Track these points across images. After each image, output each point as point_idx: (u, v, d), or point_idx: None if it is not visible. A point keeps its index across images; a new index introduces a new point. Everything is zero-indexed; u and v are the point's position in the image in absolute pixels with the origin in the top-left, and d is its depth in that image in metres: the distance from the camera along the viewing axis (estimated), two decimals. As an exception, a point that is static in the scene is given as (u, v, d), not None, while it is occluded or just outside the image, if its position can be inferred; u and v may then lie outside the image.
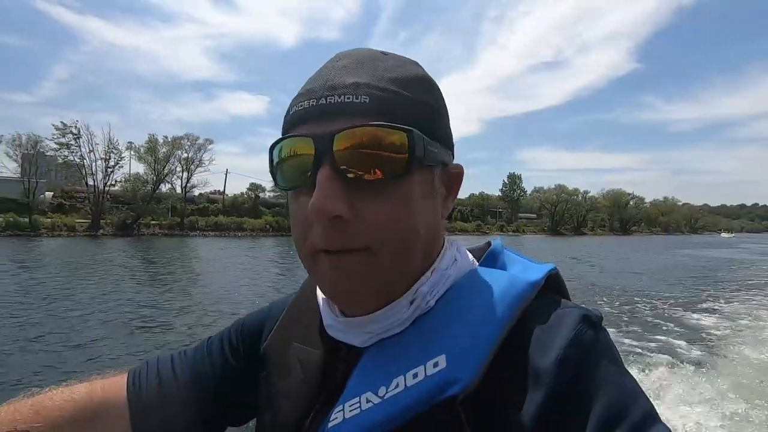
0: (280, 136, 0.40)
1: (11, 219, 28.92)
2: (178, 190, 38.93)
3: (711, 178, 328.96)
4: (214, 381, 0.52)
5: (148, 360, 0.55)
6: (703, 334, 7.04)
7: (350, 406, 0.38)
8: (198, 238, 33.07)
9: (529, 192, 77.90)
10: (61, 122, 33.55)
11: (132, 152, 36.38)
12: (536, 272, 0.42)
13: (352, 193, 0.36)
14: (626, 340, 6.57)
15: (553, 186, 74.00)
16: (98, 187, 34.17)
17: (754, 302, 10.06)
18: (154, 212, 35.69)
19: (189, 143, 38.38)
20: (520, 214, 75.14)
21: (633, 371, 4.71)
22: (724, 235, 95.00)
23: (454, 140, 0.45)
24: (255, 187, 44.42)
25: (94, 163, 34.37)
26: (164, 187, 37.77)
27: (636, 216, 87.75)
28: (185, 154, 38.29)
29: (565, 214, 71.96)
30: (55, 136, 33.05)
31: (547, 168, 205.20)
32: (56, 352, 5.69)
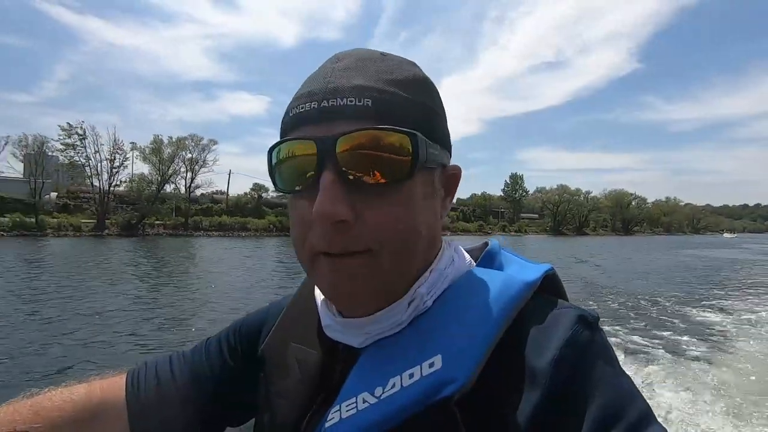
0: (279, 138, 0.40)
1: (18, 219, 29.16)
2: (182, 190, 39.21)
3: (713, 179, 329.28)
4: (212, 381, 0.52)
5: (147, 361, 0.55)
6: (706, 333, 7.11)
7: (347, 406, 0.38)
8: (202, 238, 33.24)
9: (531, 192, 78.01)
10: (67, 123, 33.96)
11: (137, 153, 36.73)
12: (533, 272, 0.42)
13: (354, 196, 0.36)
14: (628, 338, 6.64)
15: (555, 186, 74.22)
16: (103, 188, 34.41)
17: (757, 300, 10.14)
18: (159, 212, 35.92)
19: (193, 144, 38.70)
20: (522, 215, 75.15)
21: (634, 369, 4.90)
22: (726, 235, 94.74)
23: (454, 140, 0.45)
24: (258, 188, 44.62)
25: (99, 164, 34.67)
26: (168, 188, 38.11)
27: (638, 216, 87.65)
28: (189, 155, 38.65)
29: (567, 215, 71.97)
30: (61, 137, 33.37)
31: (547, 168, 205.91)
32: (60, 351, 5.77)
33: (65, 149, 33.72)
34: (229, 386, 0.53)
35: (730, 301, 10.22)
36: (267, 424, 0.47)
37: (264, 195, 44.20)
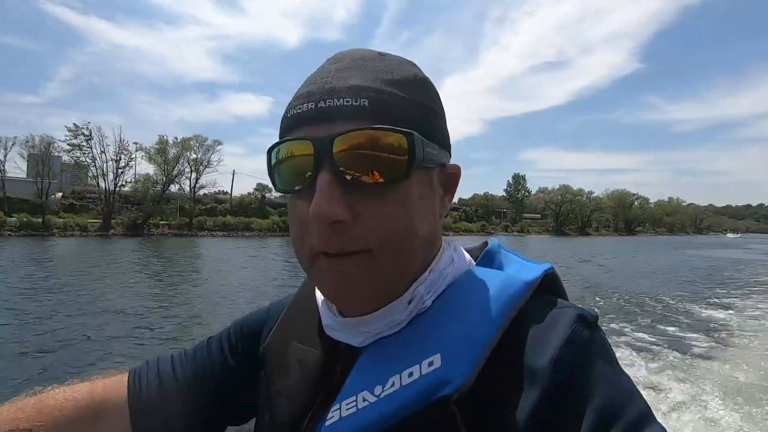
0: (279, 139, 0.41)
1: (25, 219, 29.45)
2: (187, 190, 39.41)
3: (715, 179, 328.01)
4: (213, 380, 0.53)
5: (149, 360, 0.55)
6: (711, 332, 7.18)
7: (347, 404, 0.38)
8: (206, 238, 33.46)
9: (533, 192, 78.12)
10: (74, 124, 34.23)
11: (143, 153, 36.99)
12: (532, 272, 0.42)
13: (352, 196, 0.36)
14: (632, 337, 6.68)
15: (557, 186, 74.30)
16: (109, 188, 34.68)
17: (761, 298, 10.26)
18: (163, 212, 36.17)
19: (197, 144, 38.94)
20: (524, 215, 75.21)
21: (638, 367, 5.05)
22: (729, 235, 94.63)
23: (455, 140, 0.45)
24: (262, 188, 44.85)
25: (105, 164, 34.94)
26: (173, 188, 38.31)
27: (641, 216, 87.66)
28: (194, 155, 38.91)
29: (569, 215, 72.01)
30: (68, 138, 33.67)
31: (549, 168, 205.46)
32: (66, 349, 5.86)
33: (71, 150, 34.06)
34: (230, 385, 0.53)
35: (734, 300, 10.31)
36: (268, 423, 0.47)
37: (267, 195, 44.44)
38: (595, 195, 76.81)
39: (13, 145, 32.86)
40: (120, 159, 35.40)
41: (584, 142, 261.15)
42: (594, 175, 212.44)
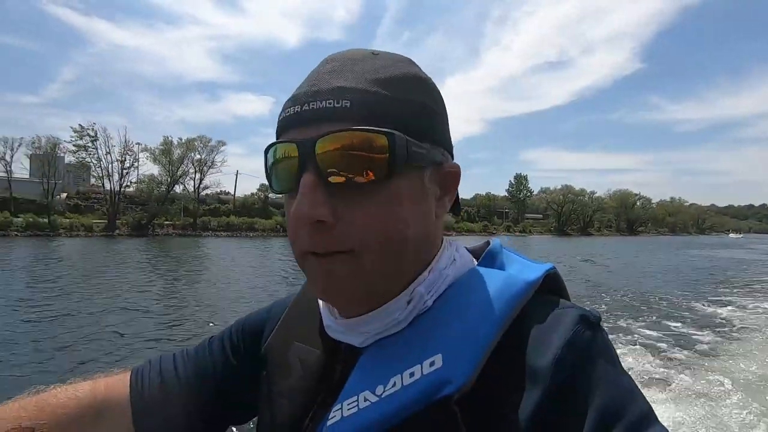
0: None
1: (31, 219, 29.71)
2: (191, 191, 39.66)
3: (718, 179, 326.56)
4: (215, 380, 0.53)
5: (151, 359, 0.56)
6: (716, 331, 7.20)
7: (348, 404, 0.38)
8: (210, 239, 33.64)
9: (535, 192, 78.18)
10: (79, 125, 34.49)
11: (147, 154, 37.25)
12: (534, 272, 0.42)
13: (335, 198, 0.37)
14: (636, 336, 6.67)
15: (559, 187, 74.37)
16: (114, 188, 34.88)
17: (765, 298, 10.27)
18: (168, 213, 36.38)
19: (202, 145, 39.20)
20: (526, 215, 75.29)
21: (640, 368, 5.03)
22: (732, 235, 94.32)
23: (456, 140, 0.45)
24: (265, 188, 45.04)
25: (110, 165, 35.20)
26: (177, 189, 38.65)
27: (643, 216, 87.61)
28: (198, 156, 39.17)
29: (571, 215, 72.06)
30: (74, 138, 33.92)
31: (551, 168, 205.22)
32: (71, 347, 5.92)
33: (77, 150, 34.32)
34: (231, 384, 0.53)
35: (738, 299, 10.38)
36: (269, 423, 0.47)
37: (270, 195, 44.63)
38: (597, 195, 76.93)
39: (19, 146, 33.20)
40: (125, 160, 35.69)
41: (585, 142, 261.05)
42: (594, 175, 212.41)
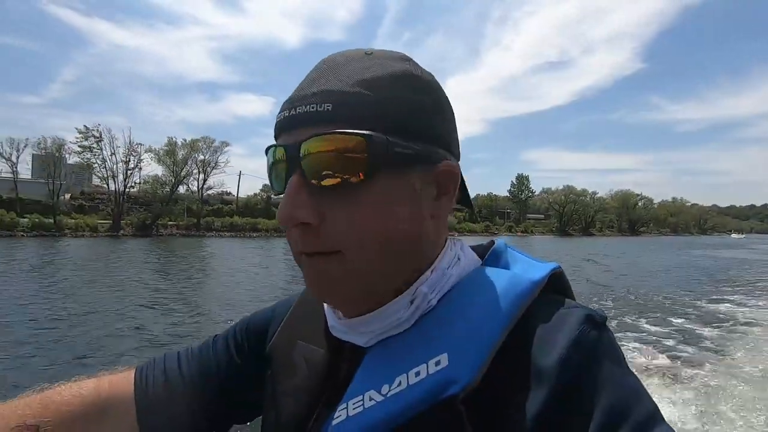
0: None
1: (37, 220, 29.89)
2: (194, 191, 39.78)
3: (718, 179, 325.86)
4: (219, 378, 0.53)
5: (155, 357, 0.56)
6: (719, 331, 7.19)
7: (354, 404, 0.39)
8: (214, 239, 33.81)
9: (537, 193, 78.21)
10: (84, 126, 34.71)
11: (152, 155, 37.36)
12: (539, 271, 0.42)
13: (319, 200, 0.37)
14: (641, 337, 6.71)
15: (560, 187, 74.43)
16: (119, 189, 35.09)
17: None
18: (172, 213, 36.57)
19: (205, 146, 39.35)
20: (527, 215, 75.34)
21: (645, 368, 5.16)
22: (734, 235, 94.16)
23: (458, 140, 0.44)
24: (267, 188, 45.13)
25: (115, 166, 35.38)
26: (181, 189, 38.76)
27: (644, 217, 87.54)
28: (201, 157, 39.28)
29: (573, 215, 72.10)
30: (78, 140, 34.13)
31: (552, 168, 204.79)
32: (77, 345, 6.01)
33: (82, 151, 34.54)
34: (235, 383, 0.53)
35: (743, 298, 10.49)
36: (274, 422, 0.48)
37: (273, 196, 44.77)
38: (598, 195, 76.95)
39: (25, 146, 33.42)
40: (129, 161, 35.88)
41: (586, 143, 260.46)
42: (595, 175, 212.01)
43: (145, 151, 36.88)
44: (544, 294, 0.41)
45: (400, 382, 0.37)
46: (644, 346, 6.17)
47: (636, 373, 0.36)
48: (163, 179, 37.43)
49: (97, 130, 34.50)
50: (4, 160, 32.81)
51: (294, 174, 0.38)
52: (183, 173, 38.03)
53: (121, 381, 0.52)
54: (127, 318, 7.64)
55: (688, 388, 4.59)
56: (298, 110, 0.38)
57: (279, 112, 0.40)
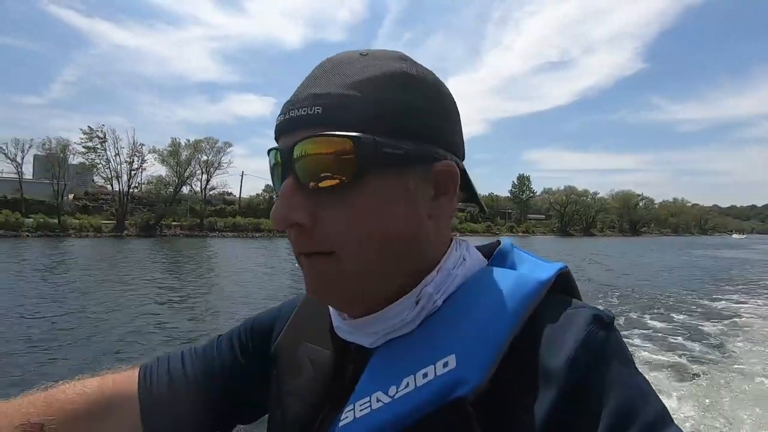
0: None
1: (42, 220, 30.08)
2: (197, 191, 39.98)
3: (719, 179, 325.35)
4: (223, 378, 0.53)
5: (159, 356, 0.56)
6: (724, 330, 7.19)
7: (361, 405, 0.38)
8: (217, 239, 33.99)
9: (538, 193, 78.32)
10: (89, 126, 34.92)
11: (155, 155, 37.56)
12: (546, 271, 0.42)
13: (312, 201, 0.38)
14: (645, 337, 6.68)
15: (561, 187, 74.63)
16: (122, 189, 35.26)
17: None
18: (175, 213, 36.74)
19: (209, 146, 39.55)
20: (528, 215, 75.48)
21: (650, 368, 5.23)
22: (735, 236, 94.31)
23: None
24: (270, 189, 45.38)
25: (119, 166, 35.59)
26: (184, 189, 38.97)
27: (645, 217, 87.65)
28: (204, 157, 39.48)
29: (574, 216, 72.22)
30: (83, 141, 34.34)
31: (552, 168, 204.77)
32: (81, 345, 6.07)
33: (87, 152, 34.74)
34: (239, 383, 0.53)
35: (746, 298, 10.57)
36: (279, 423, 0.48)
37: (275, 197, 44.96)
38: (599, 196, 77.06)
39: (29, 147, 33.61)
40: (133, 161, 36.08)
41: (587, 143, 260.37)
42: (596, 176, 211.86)
43: (149, 152, 37.19)
44: (551, 294, 0.40)
45: (407, 384, 0.37)
46: (648, 344, 6.24)
47: (641, 371, 0.36)
48: (167, 180, 37.68)
49: (101, 130, 34.74)
50: (8, 161, 33.05)
51: (287, 177, 0.39)
52: (186, 174, 38.28)
53: (125, 380, 0.52)
54: (137, 317, 7.75)
55: (692, 385, 4.64)
56: (291, 114, 0.39)
57: (278, 116, 0.41)
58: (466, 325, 0.38)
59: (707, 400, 4.24)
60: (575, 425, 0.33)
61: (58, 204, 31.87)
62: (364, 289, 0.40)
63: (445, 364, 0.36)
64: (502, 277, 0.42)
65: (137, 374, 0.53)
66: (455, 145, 0.43)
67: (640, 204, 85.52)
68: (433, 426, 0.35)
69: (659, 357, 5.69)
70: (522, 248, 0.49)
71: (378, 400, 0.38)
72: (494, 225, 62.33)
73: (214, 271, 14.79)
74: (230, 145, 40.88)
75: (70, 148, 34.21)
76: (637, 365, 0.36)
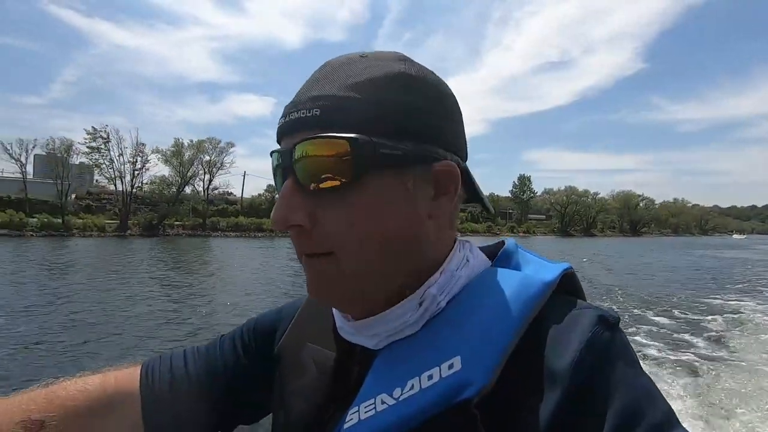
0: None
1: (46, 219, 30.20)
2: (199, 191, 40.14)
3: (719, 179, 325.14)
4: (225, 378, 0.53)
5: (161, 354, 0.55)
6: (728, 330, 7.21)
7: (365, 407, 0.38)
8: (219, 239, 34.07)
9: (538, 193, 78.42)
10: (92, 127, 35.04)
11: (159, 155, 37.67)
12: (551, 272, 0.42)
13: (311, 202, 0.38)
14: (648, 336, 6.70)
15: (561, 187, 74.70)
16: (126, 189, 35.37)
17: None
18: (178, 213, 36.86)
19: (211, 147, 39.70)
20: (529, 215, 75.56)
21: (656, 369, 5.26)
22: (736, 236, 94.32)
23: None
24: (272, 189, 45.59)
25: (123, 166, 35.71)
26: (187, 189, 39.12)
27: (646, 217, 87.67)
28: (207, 157, 39.64)
29: (575, 216, 72.31)
30: (87, 141, 34.47)
31: (552, 168, 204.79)
32: (84, 342, 6.16)
33: (91, 152, 34.88)
34: (242, 383, 0.53)
35: (748, 297, 10.65)
36: (283, 424, 0.48)
37: (277, 197, 45.08)
38: (600, 196, 77.12)
39: (33, 147, 33.75)
40: (136, 161, 36.20)
41: (587, 143, 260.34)
42: (596, 176, 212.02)
43: (152, 152, 37.29)
44: (556, 295, 0.40)
45: (412, 386, 0.37)
46: (650, 343, 6.29)
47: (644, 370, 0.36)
48: (170, 180, 37.79)
49: (105, 131, 34.88)
50: (13, 161, 33.17)
51: (287, 179, 0.39)
52: (189, 174, 38.39)
53: (126, 377, 0.52)
54: (141, 315, 7.84)
55: (695, 384, 4.67)
56: (292, 116, 0.39)
57: (279, 118, 0.41)
58: (470, 327, 0.38)
59: (711, 399, 4.28)
60: (580, 426, 0.33)
61: (62, 204, 32.01)
62: (364, 290, 0.40)
63: (450, 366, 0.36)
64: (507, 278, 0.41)
65: (139, 372, 0.52)
66: (456, 145, 0.43)
67: (641, 204, 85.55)
68: (439, 428, 0.35)
69: (662, 355, 5.74)
70: (525, 248, 0.48)
71: (383, 402, 0.37)
72: (495, 225, 62.38)
73: (217, 271, 14.87)
74: (233, 146, 41.16)
75: (74, 148, 34.41)
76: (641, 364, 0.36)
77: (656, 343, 6.34)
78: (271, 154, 0.43)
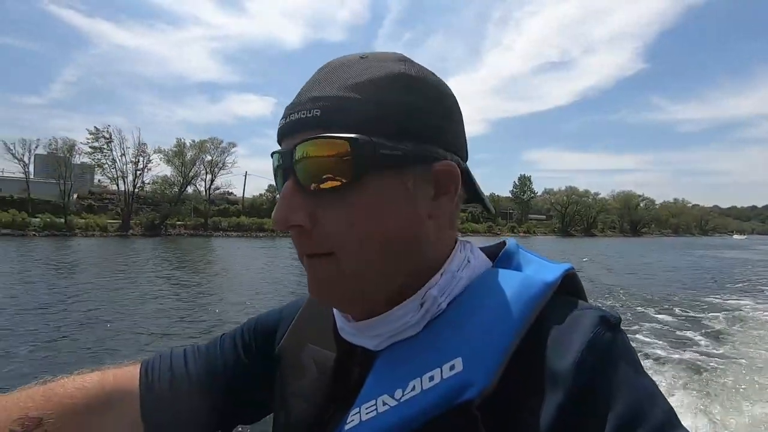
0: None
1: (48, 219, 30.32)
2: (201, 191, 40.27)
3: (719, 179, 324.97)
4: (225, 377, 0.53)
5: (161, 353, 0.55)
6: (729, 330, 7.19)
7: (366, 408, 0.38)
8: (221, 238, 34.24)
9: (539, 193, 78.54)
10: (95, 127, 35.18)
11: (161, 155, 37.77)
12: (552, 272, 0.42)
13: (312, 203, 0.38)
14: (650, 337, 6.67)
15: (561, 187, 74.85)
16: (128, 189, 35.50)
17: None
18: (179, 213, 36.99)
19: (213, 147, 39.80)
20: (529, 216, 75.70)
21: (656, 369, 5.32)
22: (736, 236, 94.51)
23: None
24: (273, 189, 45.71)
25: (125, 166, 35.82)
26: (189, 189, 39.22)
27: (646, 217, 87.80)
28: (209, 158, 39.74)
29: (575, 216, 72.44)
30: (89, 141, 34.59)
31: (552, 168, 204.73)
32: (89, 342, 6.15)
33: (93, 152, 35.00)
34: (242, 383, 0.53)
35: (749, 297, 10.73)
36: (284, 424, 0.47)
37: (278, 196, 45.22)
38: (600, 196, 77.28)
39: (36, 147, 33.89)
40: (139, 161, 36.32)
41: (587, 143, 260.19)
42: (596, 176, 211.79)
43: (154, 152, 37.41)
44: (557, 296, 0.40)
45: (413, 387, 0.37)
46: (652, 343, 6.33)
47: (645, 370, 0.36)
48: (172, 180, 37.91)
49: (107, 131, 35.02)
50: (16, 161, 33.30)
51: (288, 179, 0.39)
52: (191, 174, 38.49)
53: (125, 375, 0.51)
54: (143, 314, 7.90)
55: (696, 384, 4.68)
56: (292, 117, 0.39)
57: (280, 119, 0.42)
58: (471, 328, 0.38)
59: (712, 396, 4.30)
60: (582, 428, 0.33)
61: (65, 204, 32.15)
62: (365, 290, 0.40)
63: (452, 367, 0.36)
64: (508, 278, 0.41)
65: (138, 370, 0.52)
66: (457, 146, 0.43)
67: (641, 204, 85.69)
68: (440, 429, 0.35)
69: (663, 353, 5.78)
70: (526, 248, 0.48)
71: (384, 403, 0.37)
72: (495, 225, 62.50)
73: (222, 271, 14.97)
74: (234, 146, 41.18)
75: (77, 148, 34.52)
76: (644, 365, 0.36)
77: (657, 341, 6.40)
78: (272, 155, 0.43)
